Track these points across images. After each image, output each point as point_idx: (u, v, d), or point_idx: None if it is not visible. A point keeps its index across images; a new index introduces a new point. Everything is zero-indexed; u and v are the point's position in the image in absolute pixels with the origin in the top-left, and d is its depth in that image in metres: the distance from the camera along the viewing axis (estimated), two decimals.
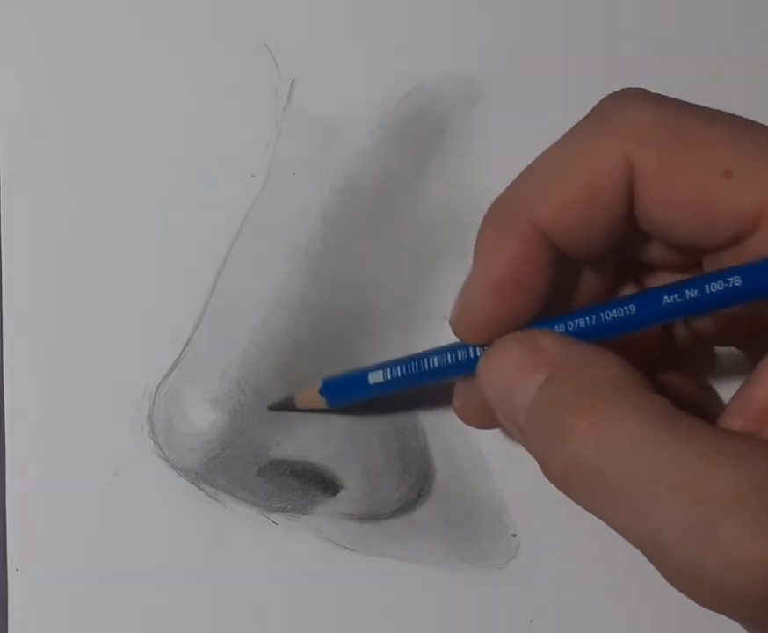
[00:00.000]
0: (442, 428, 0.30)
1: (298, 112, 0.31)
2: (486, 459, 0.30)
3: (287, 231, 0.30)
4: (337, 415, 0.29)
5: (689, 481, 0.18)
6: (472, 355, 0.24)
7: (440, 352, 0.25)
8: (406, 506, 0.29)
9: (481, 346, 0.23)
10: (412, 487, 0.29)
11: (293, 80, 0.31)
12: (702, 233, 0.21)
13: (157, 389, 0.29)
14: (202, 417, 0.29)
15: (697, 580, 0.18)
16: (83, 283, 0.30)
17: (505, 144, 0.31)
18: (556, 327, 0.22)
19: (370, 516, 0.29)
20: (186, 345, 0.30)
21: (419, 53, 0.31)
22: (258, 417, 0.29)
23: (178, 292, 0.30)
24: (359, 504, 0.29)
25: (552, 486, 0.28)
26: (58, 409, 0.29)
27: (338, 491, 0.29)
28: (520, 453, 0.29)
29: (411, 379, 0.25)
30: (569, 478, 0.20)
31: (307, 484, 0.29)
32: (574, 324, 0.22)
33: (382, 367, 0.26)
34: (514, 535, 0.29)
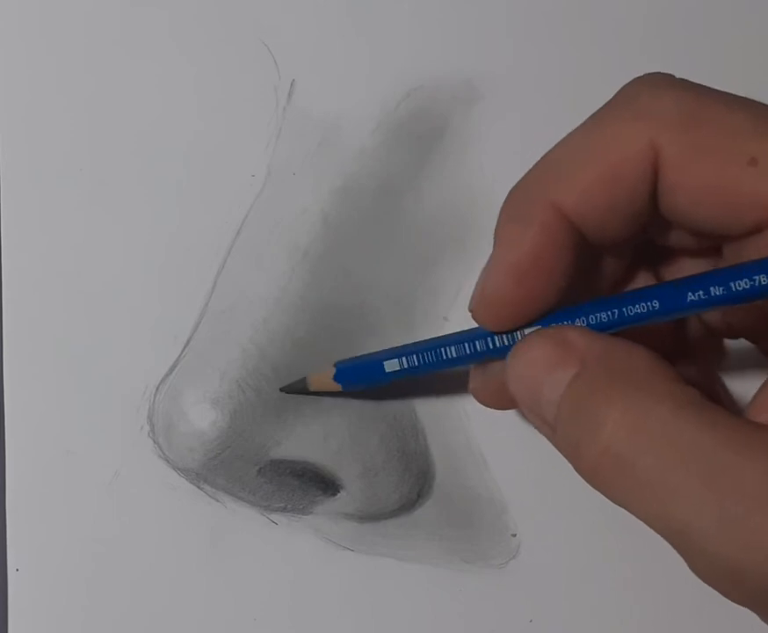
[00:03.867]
0: (442, 428, 0.30)
1: (298, 112, 0.31)
2: (486, 459, 0.30)
3: (287, 231, 0.30)
4: (338, 415, 0.29)
5: (721, 472, 0.18)
6: (490, 344, 0.23)
7: (458, 340, 0.24)
8: (406, 506, 0.29)
9: (500, 334, 0.23)
10: (412, 487, 0.29)
11: (293, 80, 0.31)
12: (725, 221, 0.21)
13: (157, 389, 0.29)
14: (202, 417, 0.29)
15: (727, 572, 0.18)
16: (83, 283, 0.30)
17: (505, 144, 0.31)
18: (577, 320, 0.22)
19: (370, 516, 0.29)
20: (186, 345, 0.30)
21: (419, 53, 0.31)
22: (258, 417, 0.29)
23: (178, 292, 0.30)
24: (359, 504, 0.29)
25: (552, 486, 0.28)
26: (58, 409, 0.29)
27: (338, 491, 0.29)
28: (520, 453, 0.29)
29: (428, 367, 0.25)
30: (600, 469, 0.19)
31: (307, 484, 0.29)
32: (596, 318, 0.22)
33: (398, 355, 0.26)
34: (514, 535, 0.29)
